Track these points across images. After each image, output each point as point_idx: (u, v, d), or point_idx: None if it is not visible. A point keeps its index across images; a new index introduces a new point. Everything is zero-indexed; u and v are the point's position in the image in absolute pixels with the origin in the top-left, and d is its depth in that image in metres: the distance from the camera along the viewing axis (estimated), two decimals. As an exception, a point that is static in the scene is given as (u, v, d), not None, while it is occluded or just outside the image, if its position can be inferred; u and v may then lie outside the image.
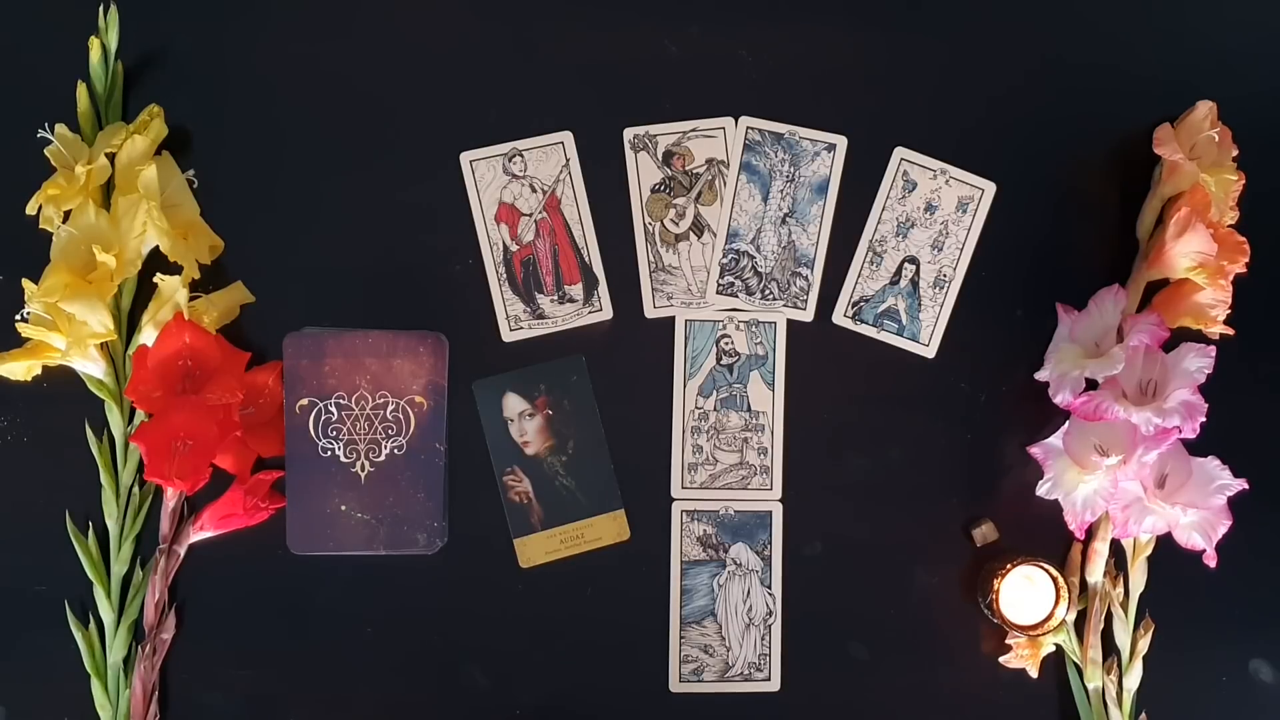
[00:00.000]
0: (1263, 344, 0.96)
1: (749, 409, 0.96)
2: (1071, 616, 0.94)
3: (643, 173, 0.96)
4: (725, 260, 0.96)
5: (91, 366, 0.92)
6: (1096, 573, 0.94)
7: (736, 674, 0.96)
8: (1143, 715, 0.95)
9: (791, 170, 0.96)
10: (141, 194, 0.90)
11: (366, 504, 0.94)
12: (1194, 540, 0.90)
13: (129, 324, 0.94)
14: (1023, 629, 0.93)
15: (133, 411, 0.94)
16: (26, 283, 0.91)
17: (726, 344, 0.96)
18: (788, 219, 0.97)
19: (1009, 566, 0.92)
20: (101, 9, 0.95)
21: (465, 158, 0.96)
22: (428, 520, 0.95)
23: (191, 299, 0.93)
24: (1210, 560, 0.90)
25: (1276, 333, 0.97)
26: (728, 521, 0.96)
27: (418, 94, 0.96)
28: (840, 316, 0.97)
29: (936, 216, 0.97)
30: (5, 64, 0.96)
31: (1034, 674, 0.95)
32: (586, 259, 0.96)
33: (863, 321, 0.97)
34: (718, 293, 0.96)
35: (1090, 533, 0.94)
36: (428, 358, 0.95)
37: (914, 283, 0.97)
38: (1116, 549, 0.95)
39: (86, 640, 0.93)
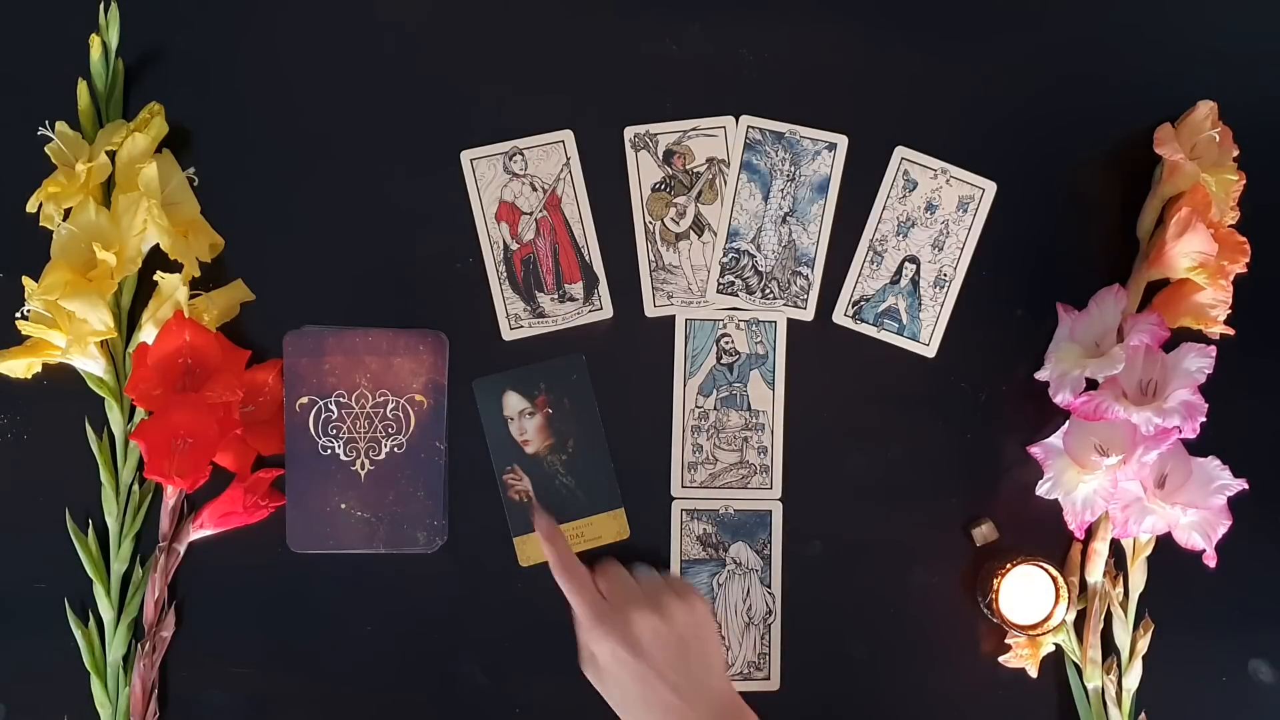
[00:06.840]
0: (1263, 344, 0.96)
1: (749, 408, 0.96)
2: (1071, 616, 0.94)
3: (643, 171, 0.96)
4: (726, 259, 0.96)
5: (92, 364, 0.92)
6: (1096, 573, 0.94)
7: (736, 673, 0.96)
8: (1142, 715, 0.95)
9: (792, 169, 0.96)
10: (142, 192, 0.90)
11: (366, 502, 0.94)
12: (1194, 540, 0.90)
13: (129, 322, 0.94)
14: (1022, 629, 0.93)
15: (133, 409, 0.94)
16: (27, 280, 0.91)
17: (727, 343, 0.96)
18: (788, 218, 0.96)
19: (1009, 566, 0.92)
20: (102, 6, 0.95)
21: (466, 156, 0.96)
22: (427, 519, 0.95)
23: (192, 297, 0.93)
24: (1210, 560, 0.90)
25: (1276, 333, 0.97)
26: (727, 520, 0.96)
27: (418, 92, 0.96)
28: (840, 316, 0.97)
29: (937, 216, 0.97)
30: (5, 61, 0.96)
31: (1033, 674, 0.95)
32: (587, 258, 0.96)
33: (863, 321, 0.97)
34: (718, 292, 0.96)
35: (1090, 532, 0.94)
36: (428, 356, 0.95)
37: (914, 282, 0.97)
38: (1116, 549, 0.95)
39: (86, 638, 0.93)
